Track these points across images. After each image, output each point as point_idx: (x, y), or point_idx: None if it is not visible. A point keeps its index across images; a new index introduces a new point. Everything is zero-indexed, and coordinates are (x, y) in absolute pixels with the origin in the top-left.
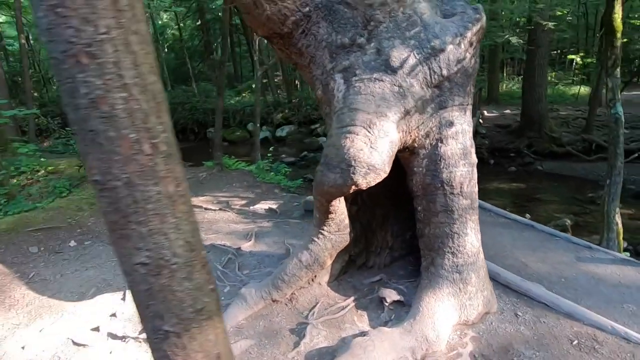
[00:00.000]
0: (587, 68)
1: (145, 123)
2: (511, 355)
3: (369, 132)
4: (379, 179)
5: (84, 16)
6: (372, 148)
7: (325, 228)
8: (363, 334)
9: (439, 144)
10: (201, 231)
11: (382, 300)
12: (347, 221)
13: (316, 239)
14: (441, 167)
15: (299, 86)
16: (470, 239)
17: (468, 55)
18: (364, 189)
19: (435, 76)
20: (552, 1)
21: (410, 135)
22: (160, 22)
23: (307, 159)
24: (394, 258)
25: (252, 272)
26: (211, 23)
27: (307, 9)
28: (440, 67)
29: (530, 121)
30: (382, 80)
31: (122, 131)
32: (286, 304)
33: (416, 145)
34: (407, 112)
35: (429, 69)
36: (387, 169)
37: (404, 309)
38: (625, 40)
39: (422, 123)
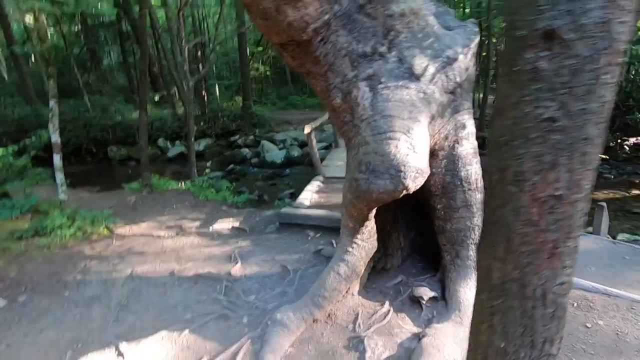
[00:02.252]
0: None
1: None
2: None
3: (408, 137)
4: (422, 182)
5: None
6: (416, 152)
7: (359, 237)
8: (421, 335)
9: (456, 145)
10: (172, 261)
11: (418, 299)
12: (375, 227)
13: (351, 249)
14: (459, 166)
15: (206, 98)
16: None
17: (471, 64)
18: (411, 192)
19: (451, 83)
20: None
21: (433, 139)
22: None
23: (236, 172)
24: (403, 258)
25: (260, 296)
26: (95, 29)
27: (327, 17)
28: (454, 74)
29: None
30: (408, 88)
31: (598, 139)
32: (326, 322)
33: (437, 148)
34: (432, 117)
35: (446, 76)
36: (429, 171)
37: (439, 304)
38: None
39: (443, 127)
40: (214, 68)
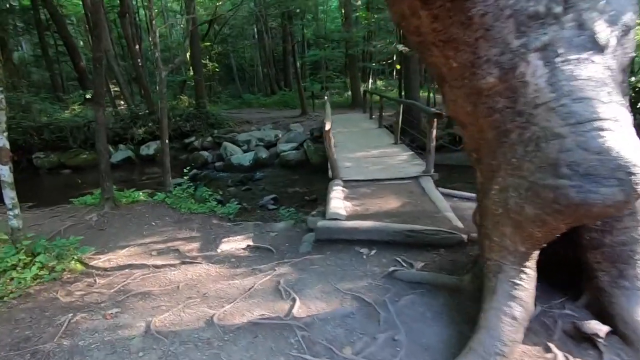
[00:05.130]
0: None
1: None
2: None
3: (620, 126)
4: None
5: None
6: (636, 146)
7: (528, 264)
8: None
9: None
10: (199, 303)
11: (588, 337)
12: None
13: (521, 282)
14: None
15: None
16: None
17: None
18: None
19: (626, 58)
20: None
21: None
22: None
23: (199, 177)
24: None
25: (360, 349)
26: (4, 16)
27: None
28: (629, 47)
29: (410, 121)
30: (593, 62)
31: None
32: None
33: None
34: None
35: (623, 49)
36: None
37: (610, 339)
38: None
39: None
40: (151, 64)
